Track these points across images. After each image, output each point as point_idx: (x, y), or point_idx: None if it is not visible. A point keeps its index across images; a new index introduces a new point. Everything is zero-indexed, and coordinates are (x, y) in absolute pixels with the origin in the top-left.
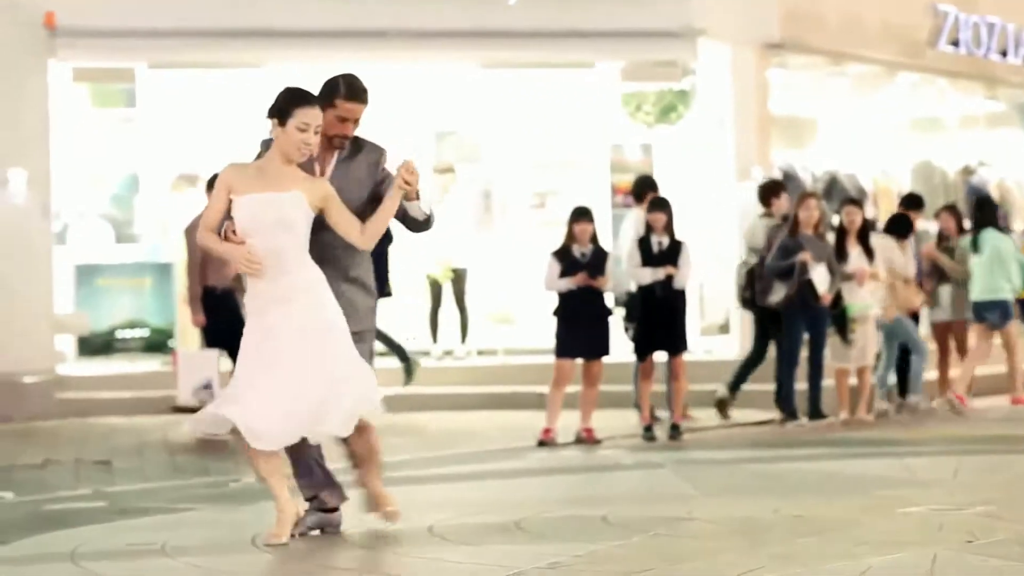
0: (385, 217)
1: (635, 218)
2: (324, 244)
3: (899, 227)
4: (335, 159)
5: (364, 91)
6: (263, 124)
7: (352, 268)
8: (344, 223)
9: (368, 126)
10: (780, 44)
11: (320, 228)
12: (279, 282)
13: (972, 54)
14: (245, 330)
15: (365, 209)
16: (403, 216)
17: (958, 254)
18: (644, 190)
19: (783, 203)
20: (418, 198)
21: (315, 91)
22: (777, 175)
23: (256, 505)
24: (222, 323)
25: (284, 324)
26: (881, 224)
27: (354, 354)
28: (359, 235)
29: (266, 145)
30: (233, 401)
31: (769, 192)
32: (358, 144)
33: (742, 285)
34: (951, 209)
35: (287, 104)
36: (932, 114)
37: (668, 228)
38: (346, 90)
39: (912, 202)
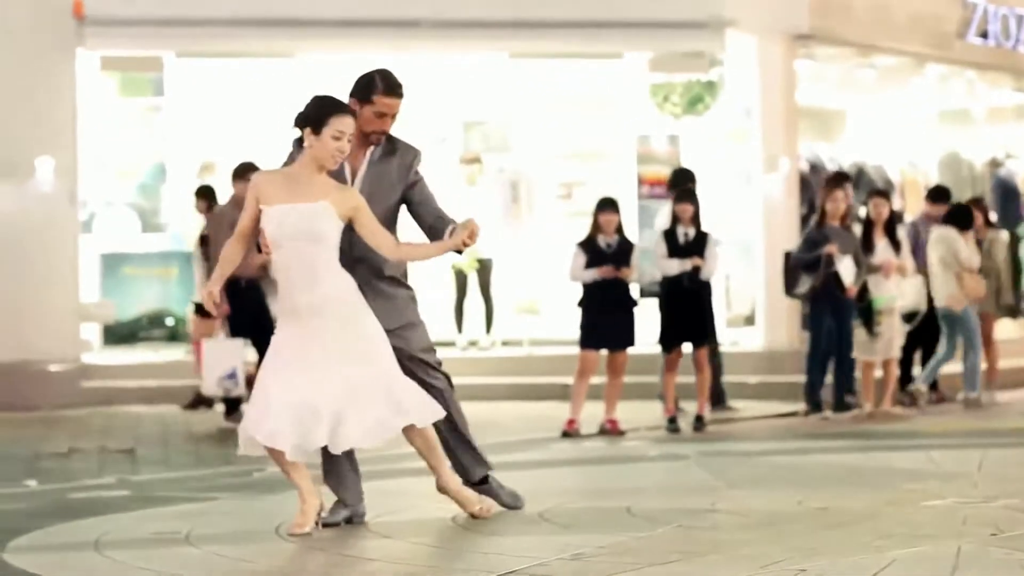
0: (426, 254)
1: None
2: (358, 242)
3: (961, 218)
4: (367, 159)
5: (400, 86)
6: (292, 118)
7: (387, 266)
8: (374, 234)
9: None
10: (808, 35)
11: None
12: (311, 292)
13: (1001, 46)
14: (275, 337)
15: (395, 211)
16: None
17: (985, 247)
18: (682, 182)
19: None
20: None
21: (345, 83)
22: (804, 167)
23: (280, 495)
24: (247, 313)
25: (315, 334)
26: (909, 216)
27: (389, 365)
28: (390, 249)
29: (299, 144)
30: (254, 405)
31: (833, 184)
32: (392, 144)
33: None
34: (977, 203)
35: (321, 113)
36: (960, 106)
37: (695, 219)
38: (383, 85)
39: (939, 194)
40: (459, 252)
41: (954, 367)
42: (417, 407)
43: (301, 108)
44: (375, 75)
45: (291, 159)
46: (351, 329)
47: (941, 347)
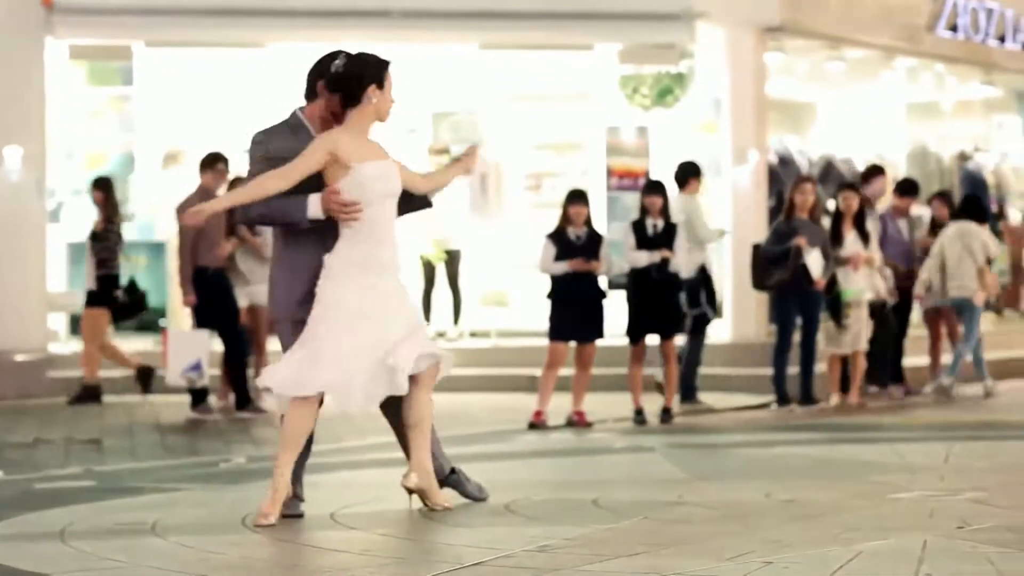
0: (445, 179)
1: (680, 204)
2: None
3: (978, 211)
4: None
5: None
6: (265, 103)
7: None
8: (412, 178)
9: None
10: (778, 28)
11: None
12: (391, 249)
13: (970, 39)
14: (327, 296)
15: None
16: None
17: None
18: (687, 176)
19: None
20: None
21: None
22: (773, 159)
23: (246, 485)
24: (213, 303)
25: (386, 290)
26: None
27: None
28: (423, 185)
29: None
30: (293, 363)
31: (870, 176)
32: None
33: None
34: (943, 196)
35: (380, 68)
36: (929, 99)
37: (663, 211)
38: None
39: (907, 187)
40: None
41: (921, 359)
42: (445, 354)
43: (345, 68)
44: (375, 57)
45: (295, 122)
46: (403, 287)
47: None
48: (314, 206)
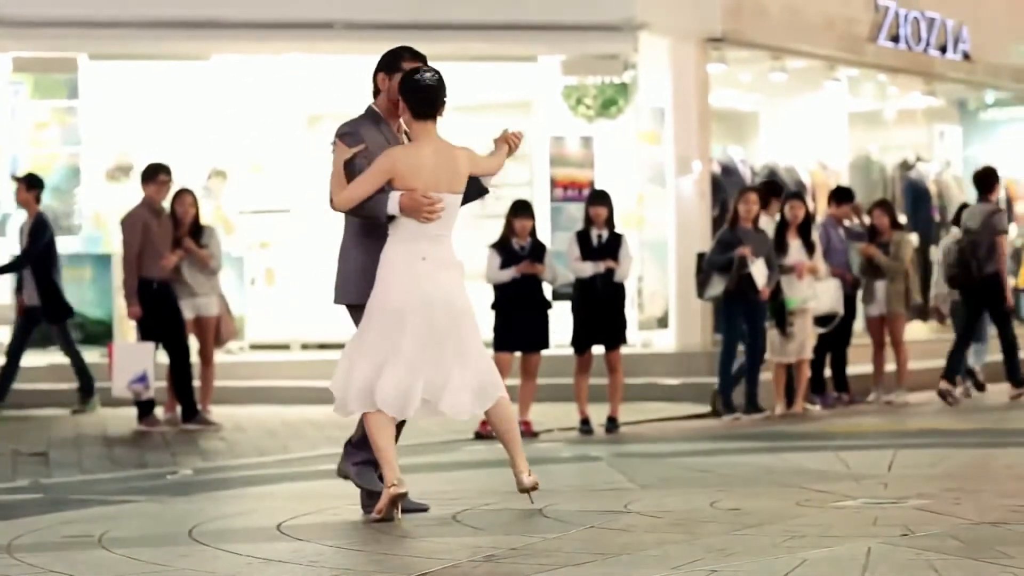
0: (496, 165)
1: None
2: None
3: None
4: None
5: (423, 56)
6: (211, 116)
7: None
8: (479, 164)
9: (302, 115)
10: (721, 38)
11: None
12: (442, 248)
13: (912, 49)
14: (389, 299)
15: None
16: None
17: (892, 249)
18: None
19: (1000, 191)
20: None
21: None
22: (716, 169)
23: (193, 497)
24: (159, 315)
25: (440, 293)
26: (820, 218)
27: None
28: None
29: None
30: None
31: (990, 180)
32: None
33: (951, 263)
34: (884, 205)
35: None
36: (871, 109)
37: (608, 221)
38: (410, 54)
39: (842, 195)
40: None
41: (864, 368)
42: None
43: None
44: (399, 48)
45: (374, 115)
46: (463, 293)
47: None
48: (393, 203)
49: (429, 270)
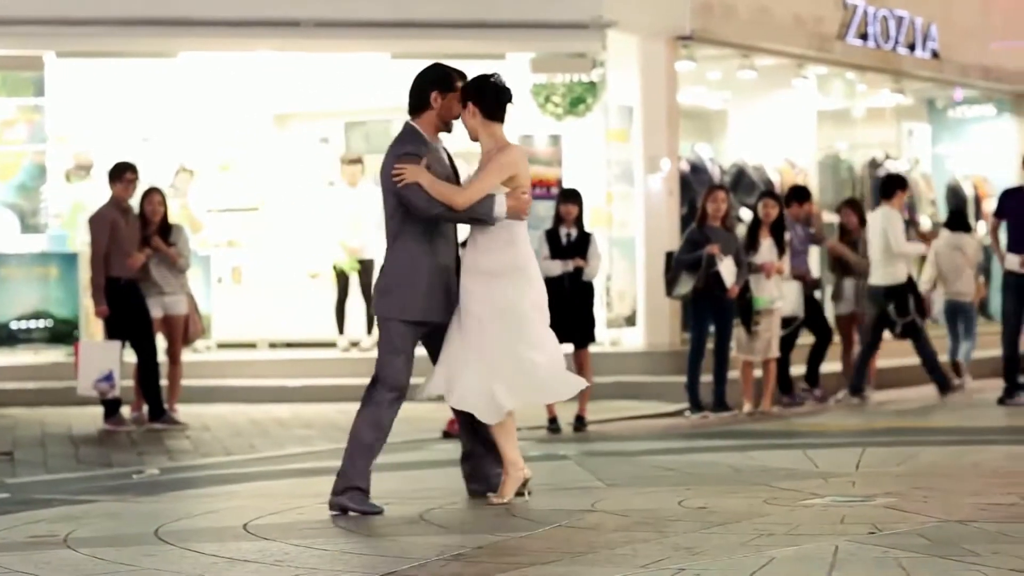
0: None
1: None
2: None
3: (962, 223)
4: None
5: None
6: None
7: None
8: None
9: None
10: (689, 36)
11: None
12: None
13: (880, 47)
14: (477, 304)
15: None
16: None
17: (861, 247)
18: (894, 188)
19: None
20: None
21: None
22: (685, 167)
23: (159, 496)
24: (126, 314)
25: (519, 296)
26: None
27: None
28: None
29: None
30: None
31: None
32: None
33: None
34: (852, 204)
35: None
36: (840, 107)
37: (578, 220)
38: (458, 74)
39: (797, 194)
40: None
41: (833, 365)
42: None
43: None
44: (445, 68)
45: (417, 133)
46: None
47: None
48: (501, 206)
49: (496, 282)
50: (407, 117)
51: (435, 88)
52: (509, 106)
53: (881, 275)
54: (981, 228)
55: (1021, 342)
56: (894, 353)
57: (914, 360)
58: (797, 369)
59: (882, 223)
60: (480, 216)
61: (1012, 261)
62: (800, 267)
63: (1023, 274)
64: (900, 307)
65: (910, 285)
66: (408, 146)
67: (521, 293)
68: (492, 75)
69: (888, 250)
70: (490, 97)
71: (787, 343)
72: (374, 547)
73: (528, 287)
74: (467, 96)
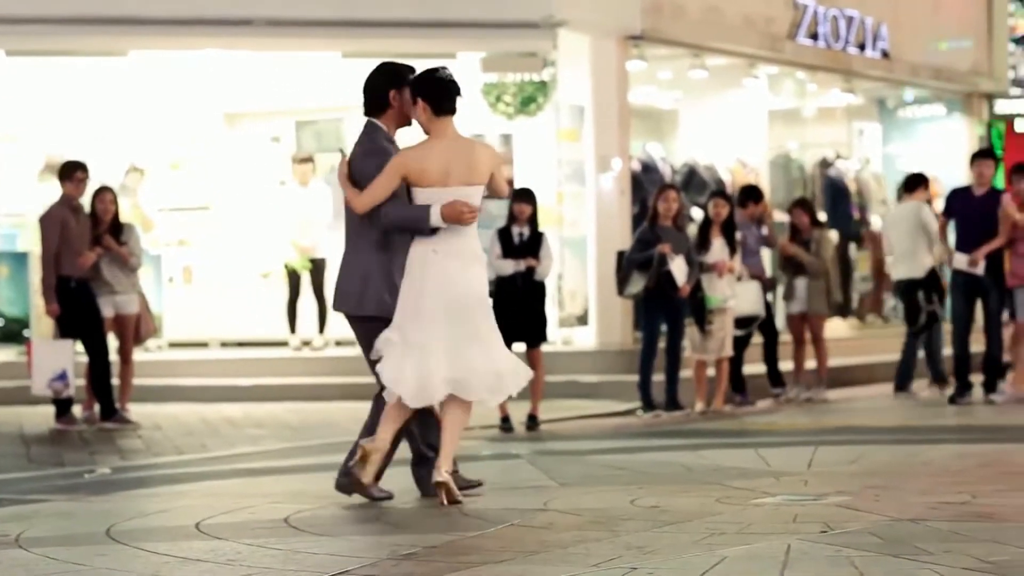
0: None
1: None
2: None
3: (919, 184)
4: None
5: None
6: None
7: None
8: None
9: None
10: (640, 36)
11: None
12: (457, 239)
13: (831, 47)
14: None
15: None
16: None
17: (812, 247)
18: (917, 184)
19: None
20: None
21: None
22: (636, 167)
23: (111, 496)
24: (77, 313)
25: (467, 283)
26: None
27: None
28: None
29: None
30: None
31: (750, 195)
32: None
33: None
34: (803, 204)
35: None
36: (791, 106)
37: (531, 219)
38: (409, 69)
39: (750, 193)
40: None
41: (784, 365)
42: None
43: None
44: (397, 65)
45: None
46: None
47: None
48: (436, 216)
49: (440, 260)
50: (359, 116)
51: (392, 86)
52: (459, 99)
53: (909, 268)
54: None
55: (970, 341)
56: (845, 352)
57: (865, 359)
58: (750, 369)
59: (914, 216)
60: (411, 228)
61: (960, 260)
62: (755, 267)
63: (971, 273)
64: (927, 297)
65: (934, 276)
66: (372, 145)
67: (404, 290)
68: (438, 68)
69: (915, 243)
70: (433, 92)
71: (742, 342)
72: (326, 546)
73: (406, 289)
74: (416, 92)
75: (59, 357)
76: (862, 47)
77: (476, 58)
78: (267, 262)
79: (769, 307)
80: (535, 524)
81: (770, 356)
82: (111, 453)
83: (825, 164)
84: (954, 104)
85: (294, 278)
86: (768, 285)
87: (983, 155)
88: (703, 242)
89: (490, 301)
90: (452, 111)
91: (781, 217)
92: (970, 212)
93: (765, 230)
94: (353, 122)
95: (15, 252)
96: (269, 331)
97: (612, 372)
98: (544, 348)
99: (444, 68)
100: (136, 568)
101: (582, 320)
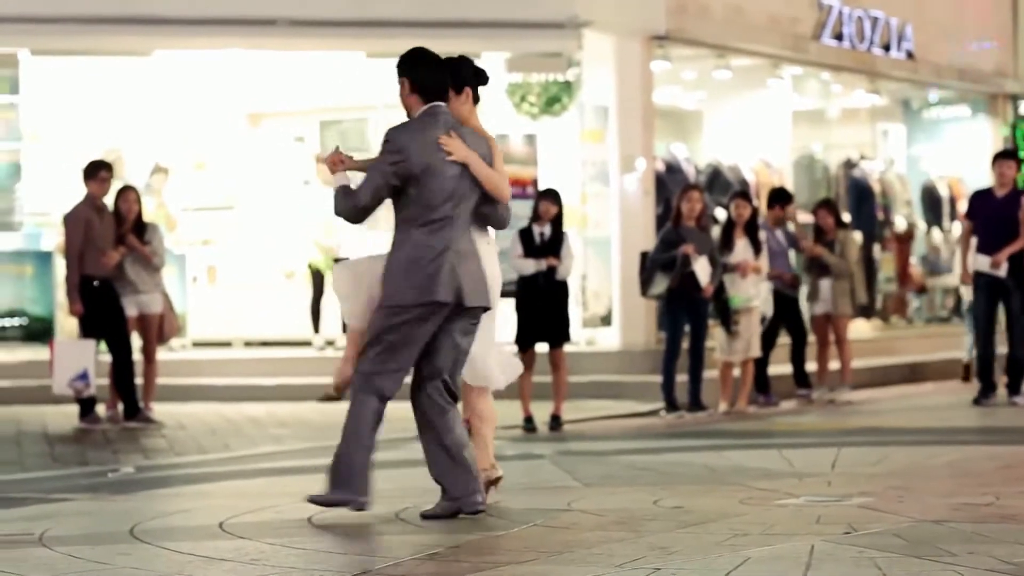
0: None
1: None
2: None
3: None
4: None
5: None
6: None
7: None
8: None
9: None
10: (665, 36)
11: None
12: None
13: (855, 48)
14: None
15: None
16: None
17: (837, 248)
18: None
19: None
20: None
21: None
22: (660, 167)
23: (134, 495)
24: (101, 312)
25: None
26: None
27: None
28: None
29: None
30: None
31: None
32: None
33: None
34: (828, 205)
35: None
36: (815, 107)
37: (556, 219)
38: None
39: (780, 196)
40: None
41: (808, 366)
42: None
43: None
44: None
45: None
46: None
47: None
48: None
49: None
50: (383, 115)
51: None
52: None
53: None
54: (956, 229)
55: (995, 342)
56: (869, 353)
57: (889, 360)
58: (775, 369)
59: None
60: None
61: (982, 262)
62: (780, 267)
63: (994, 275)
64: None
65: None
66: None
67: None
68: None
69: None
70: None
71: (768, 343)
72: (350, 546)
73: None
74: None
75: (81, 357)
76: (887, 48)
77: (501, 58)
78: (291, 262)
79: (798, 308)
80: (558, 524)
81: (797, 357)
82: (135, 452)
83: (849, 165)
84: (979, 105)
85: (318, 278)
86: (793, 284)
87: (1005, 156)
88: (726, 242)
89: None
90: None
91: (805, 218)
92: (991, 213)
93: (792, 227)
94: (378, 122)
95: (40, 251)
96: (293, 331)
97: (635, 372)
98: (568, 348)
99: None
100: (159, 567)
101: (606, 320)
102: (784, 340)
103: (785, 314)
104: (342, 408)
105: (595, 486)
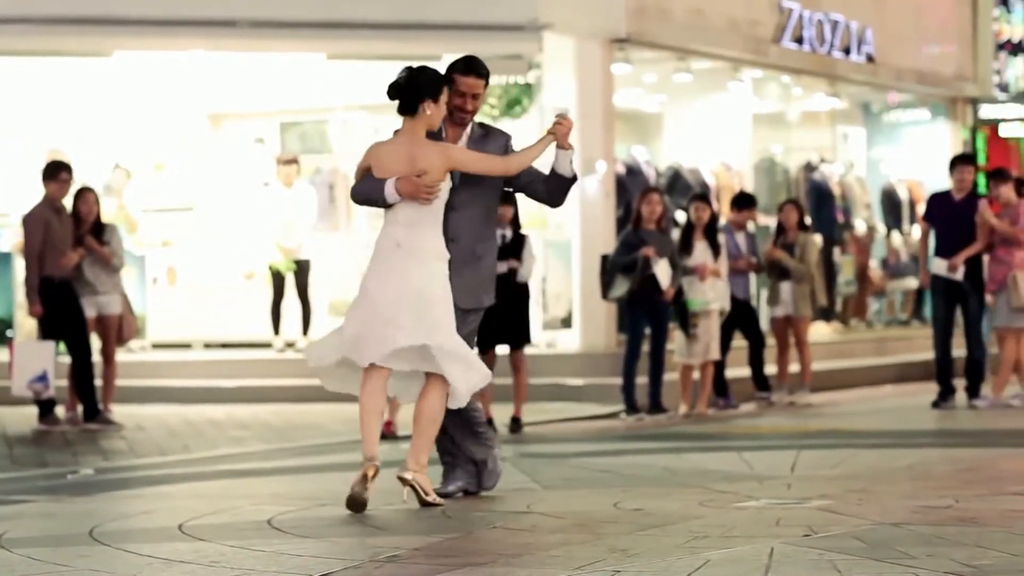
0: (531, 155)
1: None
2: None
3: None
4: (464, 141)
5: (482, 66)
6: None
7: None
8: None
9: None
10: (625, 39)
11: (449, 209)
12: (418, 235)
13: (815, 51)
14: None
15: (498, 188)
16: (529, 182)
17: (797, 251)
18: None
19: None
20: (570, 148)
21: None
22: (621, 170)
23: (94, 497)
24: (60, 314)
25: (424, 279)
26: (724, 220)
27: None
28: (503, 164)
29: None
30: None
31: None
32: (485, 129)
33: None
34: (794, 203)
35: (438, 85)
36: (775, 110)
37: (514, 221)
38: (462, 65)
39: (743, 201)
40: (560, 143)
41: (768, 368)
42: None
43: (406, 81)
44: (458, 59)
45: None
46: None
47: None
48: (390, 189)
49: (402, 256)
50: (342, 116)
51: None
52: (396, 102)
53: None
54: (916, 232)
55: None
56: (828, 356)
57: (849, 363)
58: (734, 372)
59: None
60: (366, 201)
61: (940, 265)
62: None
63: (951, 278)
64: None
65: None
66: None
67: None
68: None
69: None
70: (392, 95)
71: (723, 345)
72: (310, 548)
73: (366, 277)
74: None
75: (40, 358)
76: (847, 51)
77: None
78: (251, 263)
79: (754, 313)
80: (518, 526)
81: (755, 360)
82: (94, 454)
83: (809, 168)
84: (938, 108)
85: (278, 279)
86: (756, 269)
87: (963, 160)
88: (686, 245)
89: (450, 298)
90: (404, 112)
91: (767, 220)
92: (949, 217)
93: (752, 226)
94: (338, 123)
95: None
96: (253, 332)
97: (596, 375)
98: (528, 351)
99: (403, 71)
100: (119, 569)
101: (566, 323)
102: (740, 343)
103: (741, 320)
104: (300, 411)
105: (555, 488)
